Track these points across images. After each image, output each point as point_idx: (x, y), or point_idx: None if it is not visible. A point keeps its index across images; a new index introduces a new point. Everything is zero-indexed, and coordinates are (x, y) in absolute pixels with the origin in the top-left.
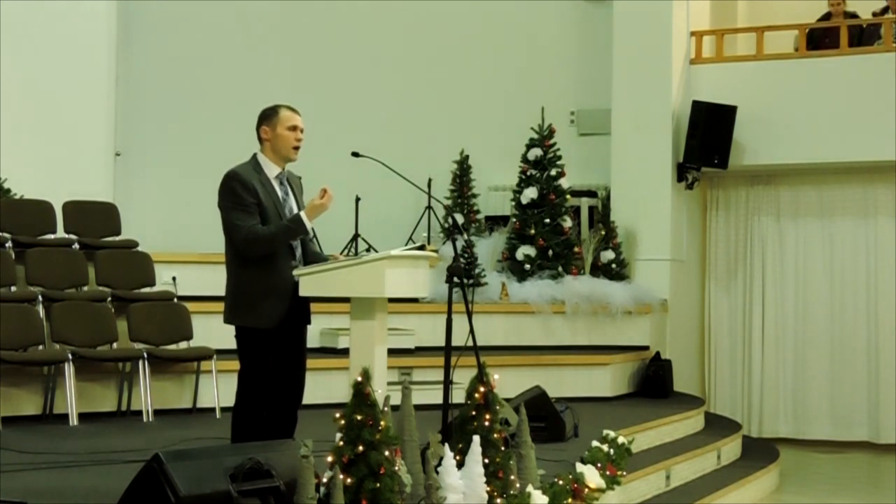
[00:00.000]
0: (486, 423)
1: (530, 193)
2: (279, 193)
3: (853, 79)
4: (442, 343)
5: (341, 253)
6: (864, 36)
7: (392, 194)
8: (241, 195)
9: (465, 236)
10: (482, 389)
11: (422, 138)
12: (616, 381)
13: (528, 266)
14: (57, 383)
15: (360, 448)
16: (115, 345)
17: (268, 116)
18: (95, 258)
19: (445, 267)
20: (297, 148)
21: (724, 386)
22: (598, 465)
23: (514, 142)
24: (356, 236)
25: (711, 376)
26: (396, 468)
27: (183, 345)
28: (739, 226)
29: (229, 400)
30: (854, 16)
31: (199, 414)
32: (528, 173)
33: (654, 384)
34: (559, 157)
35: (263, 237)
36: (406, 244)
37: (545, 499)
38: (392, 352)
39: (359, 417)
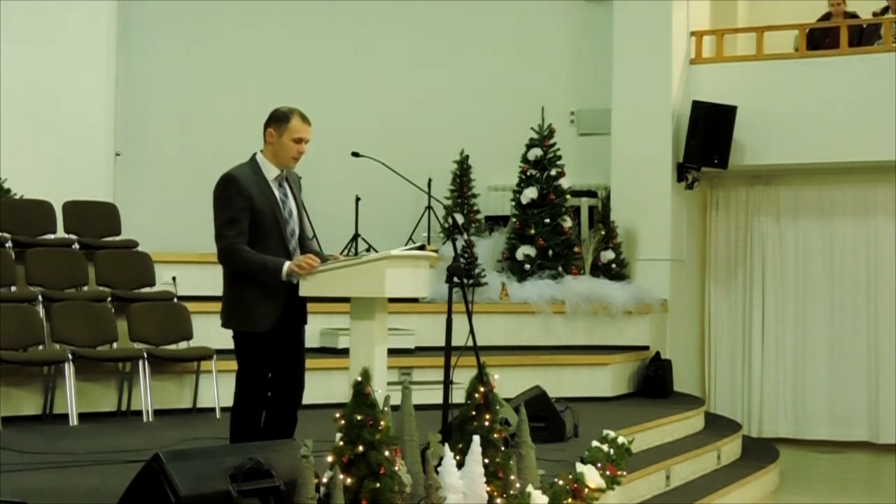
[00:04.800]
0: (486, 423)
1: (530, 193)
2: (277, 195)
3: (853, 79)
4: (442, 343)
5: (341, 253)
6: (864, 36)
7: (392, 194)
8: (233, 200)
9: (465, 236)
10: (482, 389)
11: (422, 138)
12: (616, 381)
13: (528, 266)
14: (57, 383)
15: (360, 448)
16: (115, 345)
17: (278, 120)
18: (95, 258)
19: (445, 267)
20: (296, 159)
21: (724, 386)
22: (598, 465)
23: (514, 142)
24: (356, 236)
25: (711, 376)
26: (396, 468)
27: (183, 345)
28: (739, 226)
29: (229, 400)
30: (854, 16)
31: (199, 414)
32: (528, 173)
33: (654, 384)
34: (559, 157)
35: (240, 259)
36: (406, 244)
37: (545, 499)
38: (392, 352)
39: (359, 417)
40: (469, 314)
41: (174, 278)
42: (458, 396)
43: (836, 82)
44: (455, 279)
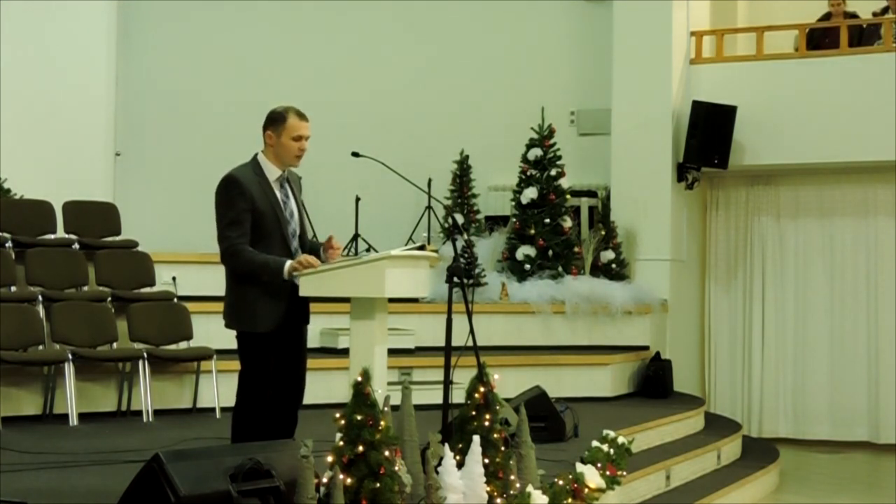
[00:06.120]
0: (486, 423)
1: (530, 193)
2: (279, 196)
3: (853, 79)
4: (442, 343)
5: (341, 253)
6: (864, 36)
7: (392, 194)
8: (235, 202)
9: (465, 236)
10: (482, 389)
11: (422, 138)
12: (616, 381)
13: (528, 266)
14: (57, 383)
15: (360, 448)
16: (115, 345)
17: (274, 121)
18: (95, 258)
19: (445, 267)
20: (299, 157)
21: (724, 386)
22: (598, 465)
23: (514, 142)
24: (356, 236)
25: (711, 376)
26: (396, 468)
27: (183, 345)
28: (739, 226)
29: (229, 400)
30: (854, 16)
31: (199, 414)
32: (528, 173)
33: (654, 384)
34: (559, 157)
35: (242, 260)
36: (406, 244)
37: (545, 499)
38: (392, 352)
39: (359, 417)
40: (469, 314)
41: (174, 278)
42: (458, 396)
43: (836, 82)
44: (455, 279)
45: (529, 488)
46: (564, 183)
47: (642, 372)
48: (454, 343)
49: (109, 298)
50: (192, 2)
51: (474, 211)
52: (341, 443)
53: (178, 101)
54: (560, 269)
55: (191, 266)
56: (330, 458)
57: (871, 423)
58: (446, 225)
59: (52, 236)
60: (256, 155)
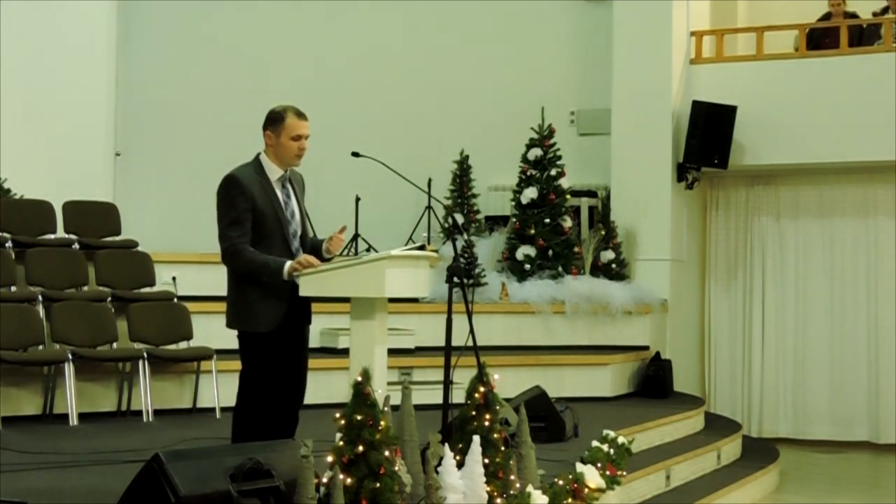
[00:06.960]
0: (486, 423)
1: (530, 193)
2: (280, 197)
3: (853, 79)
4: (442, 343)
5: (341, 253)
6: (864, 36)
7: (392, 194)
8: (235, 201)
9: (465, 236)
10: (482, 389)
11: (422, 138)
12: (616, 381)
13: (528, 266)
14: (57, 383)
15: (360, 448)
16: (115, 345)
17: (273, 122)
18: (95, 258)
19: (445, 267)
20: (299, 156)
21: (724, 386)
22: (598, 465)
23: (514, 142)
24: (356, 236)
25: (711, 376)
26: (396, 468)
27: (183, 345)
28: (739, 226)
29: (229, 400)
30: (854, 16)
31: (199, 414)
32: (528, 173)
33: (654, 384)
34: (559, 157)
35: (242, 260)
36: (406, 244)
37: (545, 499)
38: (392, 352)
39: (359, 417)
40: (469, 314)
41: (174, 278)
42: (458, 396)
43: (836, 82)
44: (455, 279)
45: (529, 488)
46: (564, 183)
47: (642, 372)
48: (454, 343)
49: (109, 298)
50: (192, 2)
51: (474, 211)
52: (341, 443)
53: (178, 101)
54: (560, 269)
55: (191, 266)
56: (330, 458)
57: (871, 423)
58: (446, 225)
59: (52, 236)
60: (258, 155)
